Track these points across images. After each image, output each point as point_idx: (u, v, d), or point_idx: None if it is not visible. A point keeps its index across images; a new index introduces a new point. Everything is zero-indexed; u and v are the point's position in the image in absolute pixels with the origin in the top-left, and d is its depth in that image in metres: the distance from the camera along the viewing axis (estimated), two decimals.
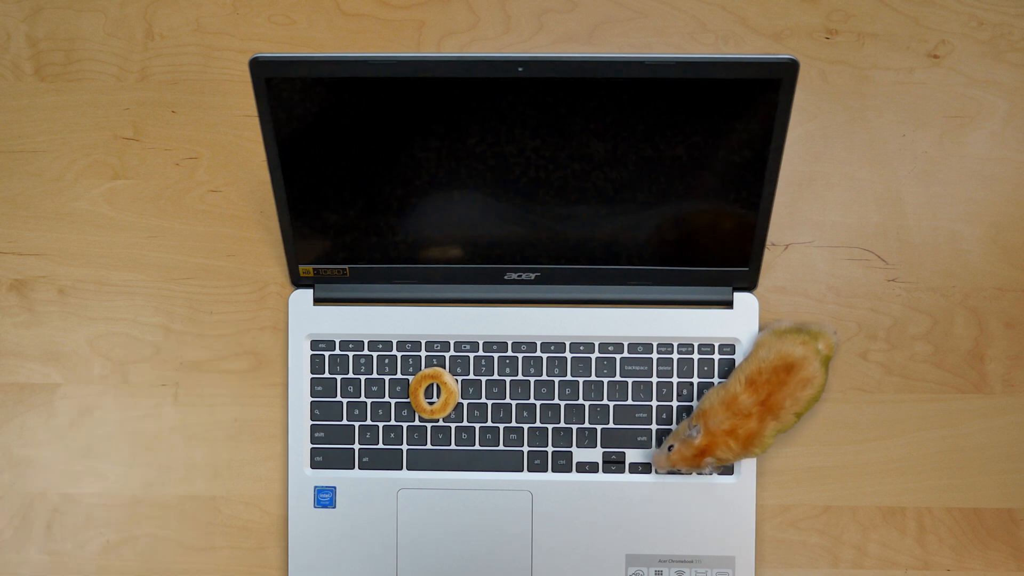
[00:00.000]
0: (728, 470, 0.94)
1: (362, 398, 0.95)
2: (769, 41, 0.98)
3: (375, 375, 0.95)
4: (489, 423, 0.94)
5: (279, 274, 0.97)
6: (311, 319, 0.94)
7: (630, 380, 0.94)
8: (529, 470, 0.94)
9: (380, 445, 0.94)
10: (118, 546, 0.96)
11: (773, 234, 0.96)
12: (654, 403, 0.94)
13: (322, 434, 0.95)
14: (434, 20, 0.98)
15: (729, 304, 0.94)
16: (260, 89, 0.80)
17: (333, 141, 0.83)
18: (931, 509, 0.95)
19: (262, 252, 0.97)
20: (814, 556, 0.95)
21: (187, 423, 0.96)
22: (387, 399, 0.94)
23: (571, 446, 0.94)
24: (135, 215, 0.98)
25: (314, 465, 0.95)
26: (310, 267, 0.93)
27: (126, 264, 0.97)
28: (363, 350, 0.94)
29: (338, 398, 0.94)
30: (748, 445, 0.88)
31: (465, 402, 0.94)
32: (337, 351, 0.94)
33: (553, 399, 0.94)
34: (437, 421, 0.94)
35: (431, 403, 0.94)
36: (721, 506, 0.93)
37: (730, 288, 0.94)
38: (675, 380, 0.94)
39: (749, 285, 0.93)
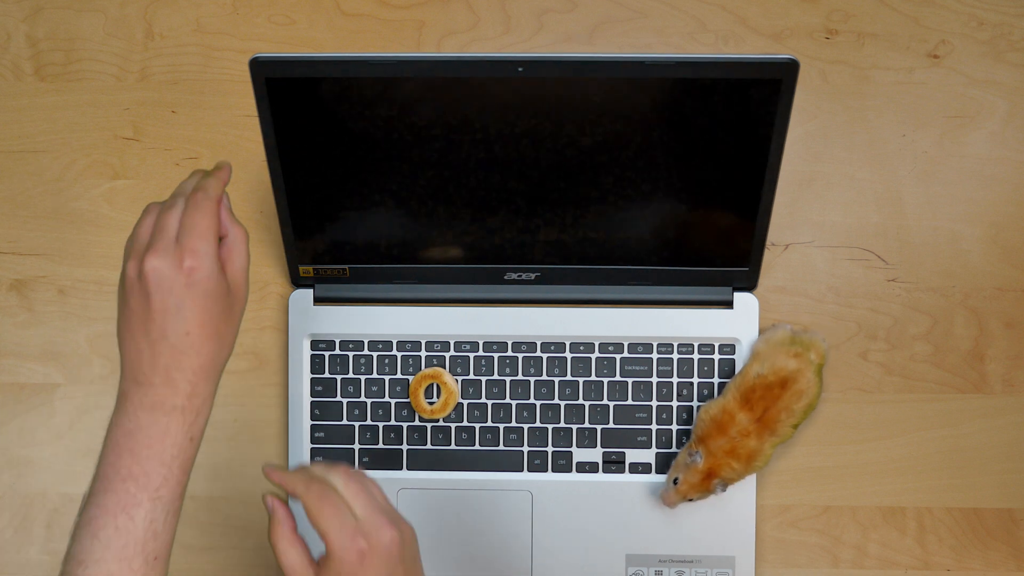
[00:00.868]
0: None
1: (362, 398, 0.95)
2: (769, 41, 0.98)
3: (375, 375, 0.95)
4: (489, 423, 0.94)
5: (279, 274, 0.97)
6: (311, 319, 0.94)
7: (630, 380, 0.94)
8: (529, 470, 0.94)
9: (380, 445, 0.94)
10: None
11: (773, 234, 0.96)
12: (654, 403, 0.94)
13: (322, 434, 0.95)
14: (434, 20, 0.98)
15: (729, 304, 0.94)
16: (260, 89, 0.80)
17: (333, 141, 0.83)
18: (931, 509, 0.95)
19: (262, 252, 0.97)
20: (814, 556, 0.95)
21: None
22: (387, 399, 0.95)
23: (571, 446, 0.94)
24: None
25: None
26: (310, 267, 0.93)
27: None
28: (363, 350, 0.94)
29: (338, 398, 0.95)
30: (750, 462, 0.88)
31: (465, 402, 0.94)
32: (337, 351, 0.95)
33: (553, 399, 0.94)
34: (437, 421, 0.94)
35: (431, 403, 0.94)
36: (721, 506, 0.93)
37: (730, 288, 0.94)
38: (675, 380, 0.94)
39: (749, 285, 0.93)
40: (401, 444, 0.94)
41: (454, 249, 0.91)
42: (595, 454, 0.94)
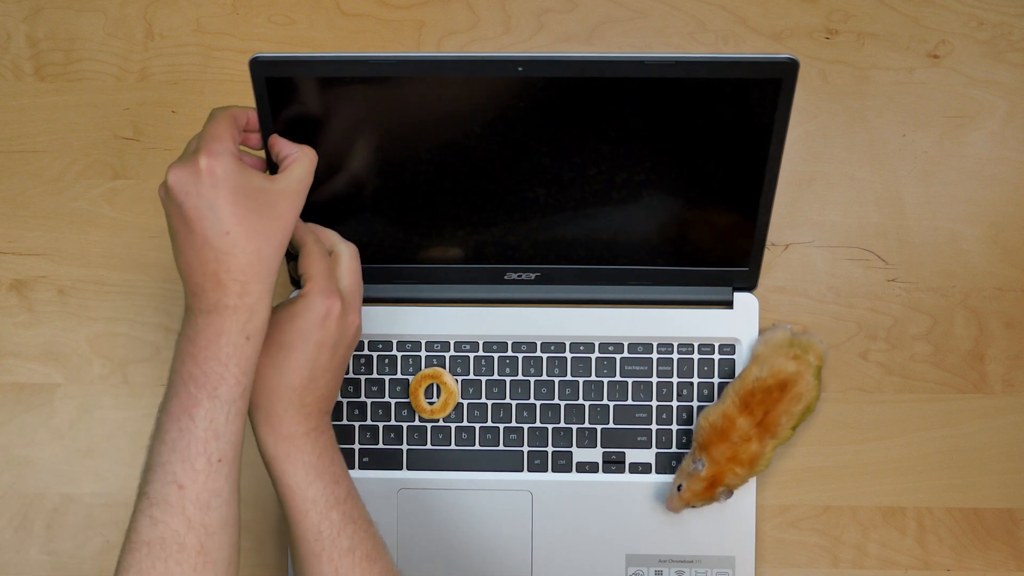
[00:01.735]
0: None
1: (362, 398, 0.95)
2: (769, 41, 0.98)
3: (375, 375, 0.95)
4: (489, 423, 0.94)
5: (279, 274, 0.97)
6: None
7: (630, 380, 0.94)
8: (529, 470, 0.94)
9: (380, 445, 0.94)
10: (118, 546, 0.96)
11: (773, 234, 0.96)
12: (654, 403, 0.94)
13: None
14: (434, 20, 0.98)
15: (729, 304, 0.94)
16: (260, 89, 0.80)
17: (333, 141, 0.83)
18: (931, 509, 0.95)
19: None
20: (814, 556, 0.95)
21: None
22: (387, 399, 0.95)
23: (571, 446, 0.94)
24: (135, 215, 0.98)
25: None
26: None
27: (126, 264, 0.97)
28: (363, 350, 0.94)
29: (338, 398, 0.94)
30: (753, 466, 0.88)
31: (465, 402, 0.94)
32: None
33: (553, 399, 0.94)
34: (437, 421, 0.94)
35: (431, 403, 0.94)
36: (721, 506, 0.93)
37: (730, 288, 0.94)
38: (675, 380, 0.94)
39: (749, 285, 0.93)
40: (401, 444, 0.94)
41: (454, 249, 0.91)
42: (595, 454, 0.94)
